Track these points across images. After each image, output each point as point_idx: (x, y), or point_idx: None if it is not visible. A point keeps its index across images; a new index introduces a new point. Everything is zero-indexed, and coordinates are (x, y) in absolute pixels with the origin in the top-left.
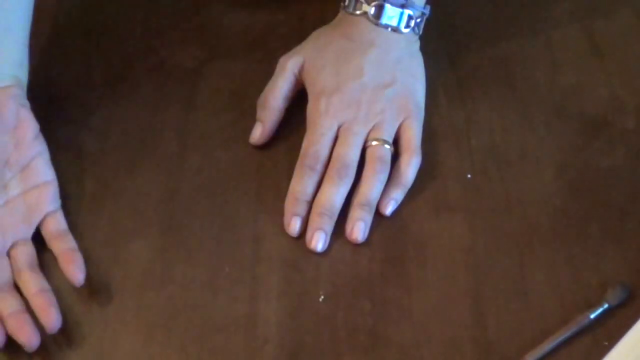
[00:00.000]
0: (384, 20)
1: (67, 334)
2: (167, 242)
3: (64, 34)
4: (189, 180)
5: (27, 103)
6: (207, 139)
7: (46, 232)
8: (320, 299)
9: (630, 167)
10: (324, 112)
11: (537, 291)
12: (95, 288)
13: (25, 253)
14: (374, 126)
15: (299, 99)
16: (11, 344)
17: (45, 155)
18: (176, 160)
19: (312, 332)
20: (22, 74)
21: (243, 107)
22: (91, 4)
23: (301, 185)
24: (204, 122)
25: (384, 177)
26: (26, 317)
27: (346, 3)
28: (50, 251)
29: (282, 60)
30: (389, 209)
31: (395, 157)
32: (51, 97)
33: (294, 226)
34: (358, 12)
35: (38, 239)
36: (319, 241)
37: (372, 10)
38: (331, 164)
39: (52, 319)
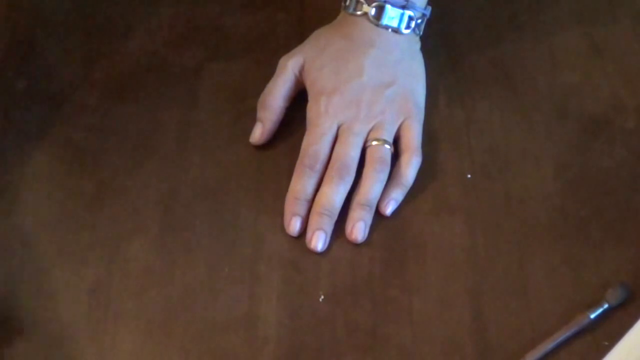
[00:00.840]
0: (385, 21)
1: (67, 334)
2: (167, 242)
3: (64, 34)
4: (189, 180)
5: None
6: (207, 139)
7: None
8: (320, 299)
9: (630, 167)
10: (324, 111)
11: (537, 291)
12: (95, 288)
13: None
14: (374, 126)
15: (299, 99)
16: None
17: None
18: (176, 160)
19: (312, 332)
20: None
21: (243, 107)
22: (91, 4)
23: (301, 185)
24: (204, 122)
25: (384, 177)
26: None
27: (347, 3)
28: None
29: (282, 60)
30: (389, 209)
31: (396, 157)
32: (51, 97)
33: (294, 226)
34: (359, 13)
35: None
36: (319, 241)
37: (372, 11)
38: (331, 163)
39: None
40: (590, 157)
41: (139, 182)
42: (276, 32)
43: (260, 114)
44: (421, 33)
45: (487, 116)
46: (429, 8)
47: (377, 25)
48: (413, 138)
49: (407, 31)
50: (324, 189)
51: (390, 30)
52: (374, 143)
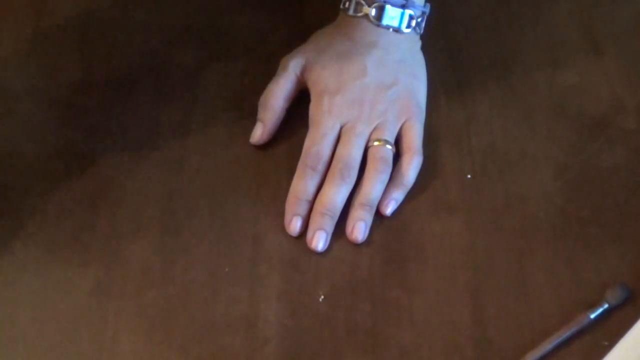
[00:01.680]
0: (385, 21)
1: (67, 334)
2: (167, 242)
3: (64, 34)
4: (189, 180)
5: None
6: (207, 139)
7: None
8: (320, 299)
9: (630, 167)
10: (327, 111)
11: (537, 291)
12: (95, 288)
13: None
14: (376, 127)
15: (299, 99)
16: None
17: None
18: (176, 160)
19: (312, 332)
20: None
21: (243, 107)
22: (91, 4)
23: (302, 185)
24: (204, 122)
25: (385, 177)
26: None
27: (346, 6)
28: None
29: (283, 60)
30: (389, 209)
31: (397, 157)
32: (51, 97)
33: (294, 226)
34: (359, 15)
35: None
36: (319, 241)
37: (373, 12)
38: (333, 164)
39: None
40: (590, 157)
41: (139, 182)
42: (276, 32)
43: (261, 114)
44: (422, 31)
45: (487, 116)
46: (428, 5)
47: (378, 25)
48: (414, 138)
49: (408, 30)
50: (326, 189)
51: (391, 30)
52: (376, 144)
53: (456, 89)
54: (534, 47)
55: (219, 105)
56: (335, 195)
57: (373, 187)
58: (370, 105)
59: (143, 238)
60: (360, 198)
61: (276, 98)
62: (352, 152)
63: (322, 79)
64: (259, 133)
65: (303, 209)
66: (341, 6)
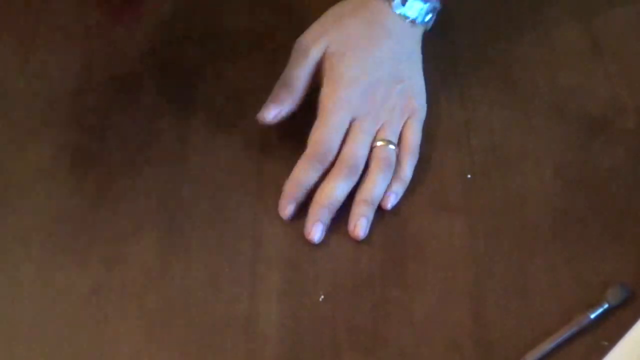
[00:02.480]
0: (406, 10)
1: (67, 334)
2: (167, 242)
3: (64, 34)
4: (189, 180)
5: None
6: (207, 139)
7: None
8: (320, 299)
9: (630, 167)
10: (340, 103)
11: (537, 291)
12: (96, 288)
13: None
14: (382, 125)
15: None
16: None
17: None
18: (176, 161)
19: (312, 332)
20: None
21: (243, 107)
22: (91, 4)
23: (305, 175)
24: (204, 122)
25: (388, 176)
26: None
27: None
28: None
29: (303, 41)
30: (389, 203)
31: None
32: (51, 97)
33: (289, 210)
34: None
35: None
36: (317, 232)
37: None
38: (339, 160)
39: None
40: (590, 157)
41: (139, 182)
42: (276, 32)
43: (280, 93)
44: (429, 29)
45: (487, 116)
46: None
47: (399, 14)
48: (413, 137)
49: (421, 25)
50: (330, 182)
51: (407, 21)
52: (380, 143)
53: (456, 88)
54: (534, 47)
55: (219, 105)
56: (338, 190)
57: (375, 184)
58: (381, 100)
59: (143, 238)
60: (362, 195)
61: (299, 79)
62: (359, 152)
63: (339, 67)
64: (274, 112)
65: (301, 195)
66: None
